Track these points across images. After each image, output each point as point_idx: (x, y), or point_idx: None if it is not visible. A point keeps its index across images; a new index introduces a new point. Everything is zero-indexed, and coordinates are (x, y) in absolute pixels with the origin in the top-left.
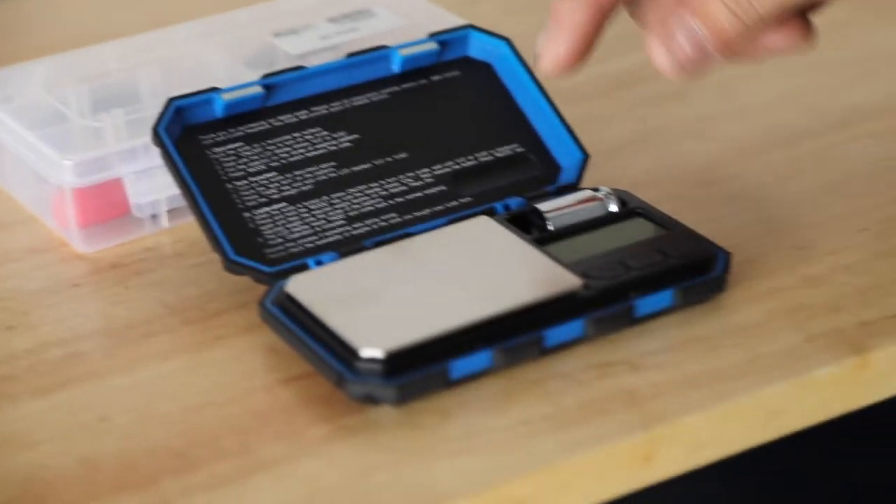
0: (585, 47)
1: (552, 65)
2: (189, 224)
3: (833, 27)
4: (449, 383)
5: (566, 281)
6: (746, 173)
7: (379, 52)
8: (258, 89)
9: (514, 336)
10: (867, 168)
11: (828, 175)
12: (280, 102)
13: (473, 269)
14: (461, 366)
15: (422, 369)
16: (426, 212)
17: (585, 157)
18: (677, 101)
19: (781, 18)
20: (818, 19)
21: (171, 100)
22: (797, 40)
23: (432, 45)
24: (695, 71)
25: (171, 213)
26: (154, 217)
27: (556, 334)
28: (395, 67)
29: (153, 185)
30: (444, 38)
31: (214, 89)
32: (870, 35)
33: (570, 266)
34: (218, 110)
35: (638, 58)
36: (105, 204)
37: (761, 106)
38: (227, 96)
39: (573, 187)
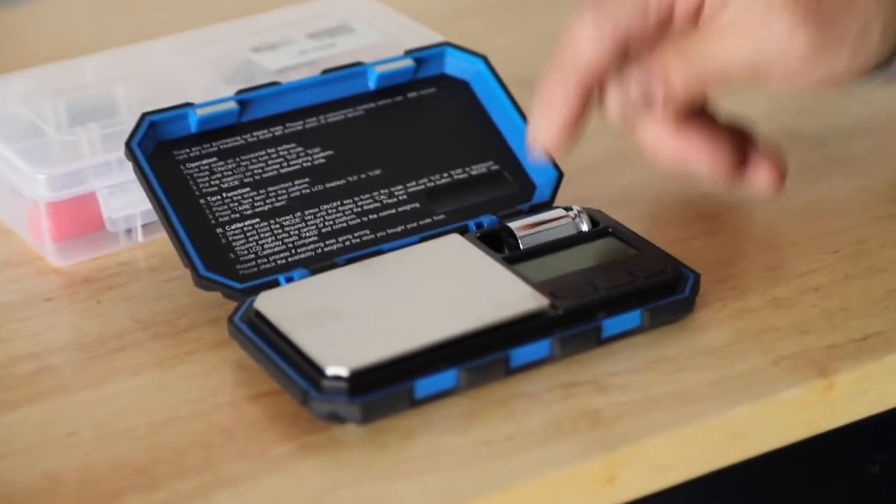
0: (578, 125)
1: (548, 146)
2: (163, 239)
3: None
4: (414, 402)
5: (533, 301)
6: (721, 194)
7: (355, 69)
8: (232, 105)
9: (479, 356)
10: (842, 190)
11: (803, 196)
12: (255, 118)
13: (442, 287)
14: (426, 385)
15: (387, 388)
16: (399, 229)
17: (560, 175)
18: None
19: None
20: None
21: (145, 114)
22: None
23: (408, 62)
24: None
25: (146, 227)
26: (129, 232)
27: (521, 354)
28: (371, 84)
29: (127, 199)
30: (421, 56)
31: (188, 104)
32: None
33: (539, 286)
34: (192, 125)
35: None
36: (80, 218)
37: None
38: (201, 112)
39: (547, 205)
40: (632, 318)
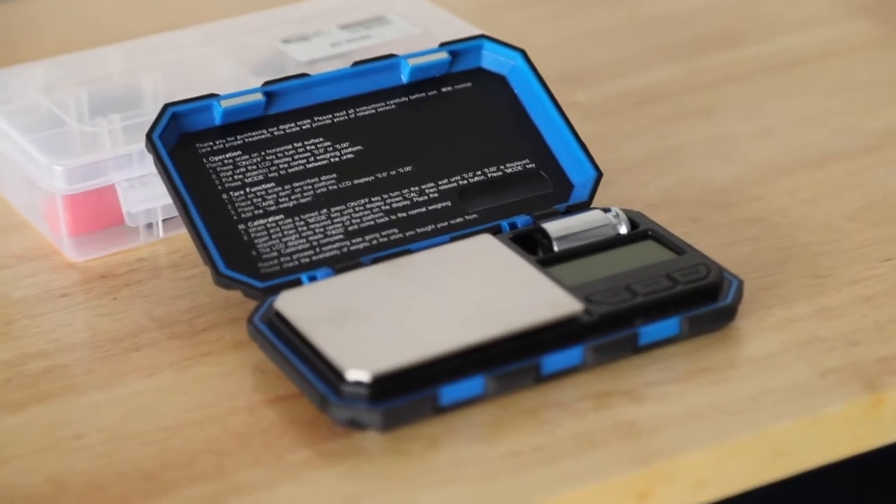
0: None
1: None
2: (185, 235)
3: (867, 48)
4: (438, 410)
5: (567, 305)
6: (768, 196)
7: (387, 62)
8: (259, 97)
9: (508, 362)
10: (895, 194)
11: (854, 201)
12: (282, 111)
13: (471, 289)
14: (451, 392)
15: (410, 395)
16: (429, 228)
17: (598, 175)
18: (701, 119)
19: None
20: (851, 40)
21: (167, 106)
22: None
23: (443, 55)
24: None
25: (168, 223)
26: (149, 227)
27: (553, 361)
28: (404, 77)
29: (147, 193)
30: (457, 49)
31: (213, 96)
32: None
33: (573, 290)
34: (216, 118)
35: (662, 74)
36: (98, 212)
37: (788, 126)
38: (226, 103)
39: (584, 206)
40: (670, 325)
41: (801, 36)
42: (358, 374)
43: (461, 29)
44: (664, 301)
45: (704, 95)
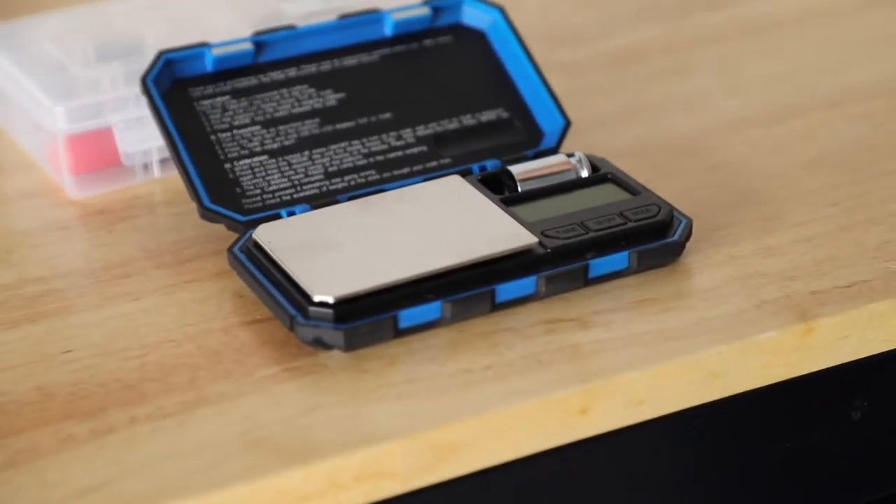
0: None
1: None
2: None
3: (843, 13)
4: (398, 332)
5: (522, 238)
6: (730, 146)
7: (371, 15)
8: (248, 45)
9: (465, 290)
10: (849, 146)
11: (809, 151)
12: (270, 60)
13: (436, 224)
14: (411, 315)
15: (372, 316)
16: (404, 170)
17: (567, 123)
18: (678, 76)
19: None
20: (829, 4)
21: (161, 52)
22: None
23: (425, 11)
24: None
25: (164, 164)
26: (145, 167)
27: (507, 290)
28: (388, 31)
29: (143, 134)
30: (438, 5)
31: (205, 44)
32: (873, 19)
33: (530, 225)
34: (208, 64)
35: (645, 34)
36: (98, 152)
37: (758, 83)
38: (217, 51)
39: (552, 152)
40: (619, 259)
41: (779, 1)
42: (324, 296)
43: None
44: (615, 236)
45: (683, 55)
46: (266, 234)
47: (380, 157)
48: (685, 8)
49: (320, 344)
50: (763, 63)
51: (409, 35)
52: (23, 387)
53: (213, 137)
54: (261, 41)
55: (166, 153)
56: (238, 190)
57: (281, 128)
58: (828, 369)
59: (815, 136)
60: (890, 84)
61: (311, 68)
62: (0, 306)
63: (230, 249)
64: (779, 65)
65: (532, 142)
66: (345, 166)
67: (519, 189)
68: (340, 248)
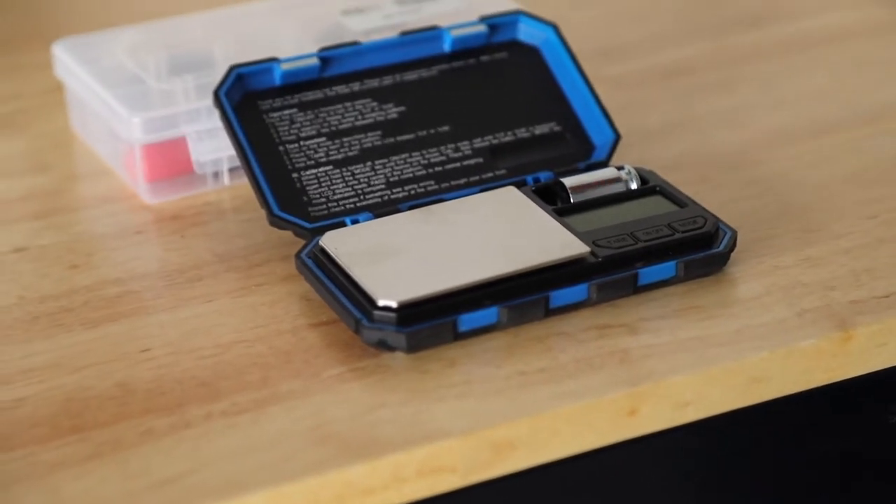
0: None
1: None
2: (248, 182)
3: (881, 32)
4: (457, 335)
5: (575, 247)
6: (773, 160)
7: (431, 32)
8: (314, 61)
9: (521, 296)
10: (888, 160)
11: (849, 165)
12: (335, 74)
13: (493, 233)
14: (469, 320)
15: (432, 320)
16: (462, 181)
17: (617, 137)
18: (722, 91)
19: None
20: (867, 24)
21: (233, 67)
22: None
23: (482, 28)
24: None
25: (234, 172)
26: (216, 175)
27: (560, 296)
28: (446, 47)
29: (215, 144)
30: (495, 22)
31: (274, 59)
32: None
33: (582, 235)
34: (276, 78)
35: (689, 51)
36: (171, 160)
37: (799, 99)
38: (285, 66)
39: (603, 165)
40: (667, 268)
41: (822, 19)
42: (387, 301)
43: (503, 5)
44: (663, 247)
45: (726, 71)
46: (332, 241)
47: (438, 168)
48: (728, 26)
49: (384, 346)
50: (804, 79)
51: (466, 51)
52: (105, 383)
53: (281, 148)
54: (326, 56)
55: (236, 162)
56: (305, 198)
57: (345, 139)
58: (866, 375)
59: (855, 151)
60: None
61: (373, 83)
62: (81, 307)
63: (298, 255)
64: (819, 81)
65: (583, 154)
66: (405, 177)
67: (571, 200)
68: (402, 255)
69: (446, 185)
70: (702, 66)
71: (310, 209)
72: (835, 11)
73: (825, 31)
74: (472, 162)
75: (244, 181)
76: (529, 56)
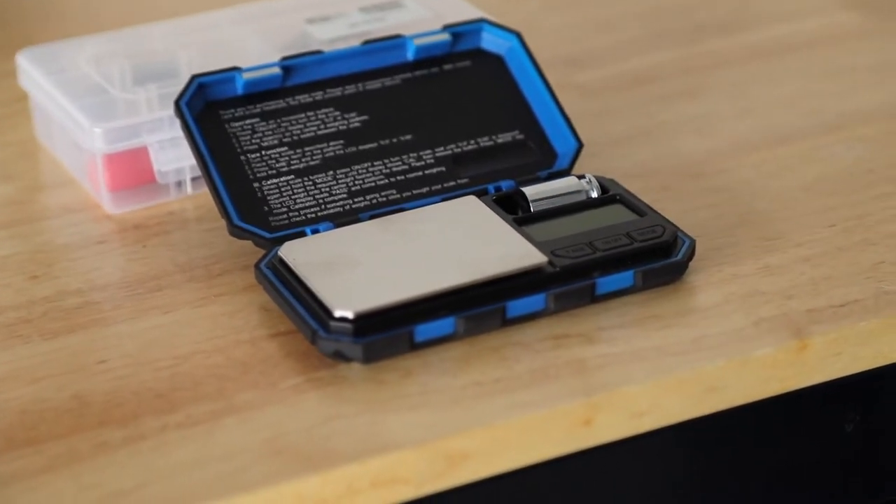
0: None
1: None
2: None
3: (851, 38)
4: (414, 346)
5: (533, 257)
6: (735, 168)
7: (394, 41)
8: (276, 70)
9: (477, 306)
10: (848, 169)
11: (810, 174)
12: (297, 83)
13: (451, 243)
14: (426, 330)
15: (389, 331)
16: (424, 190)
17: (580, 146)
18: (689, 99)
19: None
20: (838, 30)
21: (195, 76)
22: None
23: (445, 36)
24: None
25: (196, 181)
26: (179, 184)
27: (517, 306)
28: (409, 55)
29: (177, 154)
30: (458, 31)
31: (236, 69)
32: (882, 45)
33: (541, 245)
34: (238, 88)
35: (658, 58)
36: (134, 170)
37: (765, 107)
38: (247, 75)
39: (565, 174)
40: (625, 277)
41: (792, 26)
42: (344, 311)
43: (468, 13)
44: (621, 256)
45: (694, 79)
46: (290, 252)
47: (400, 177)
48: (697, 33)
49: (340, 356)
50: (771, 87)
51: (430, 59)
52: (61, 395)
53: (242, 158)
54: (288, 66)
55: (198, 172)
56: (265, 208)
57: (307, 149)
58: (822, 384)
59: (815, 159)
60: (889, 109)
61: (336, 91)
62: (40, 318)
63: (257, 265)
64: (786, 89)
65: (546, 163)
66: (367, 186)
67: (532, 209)
68: (361, 265)
69: (408, 193)
70: (669, 73)
71: (270, 219)
72: (803, 19)
73: (793, 38)
74: (434, 171)
75: (207, 190)
76: (493, 64)
